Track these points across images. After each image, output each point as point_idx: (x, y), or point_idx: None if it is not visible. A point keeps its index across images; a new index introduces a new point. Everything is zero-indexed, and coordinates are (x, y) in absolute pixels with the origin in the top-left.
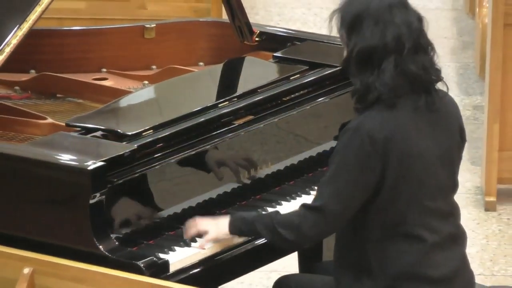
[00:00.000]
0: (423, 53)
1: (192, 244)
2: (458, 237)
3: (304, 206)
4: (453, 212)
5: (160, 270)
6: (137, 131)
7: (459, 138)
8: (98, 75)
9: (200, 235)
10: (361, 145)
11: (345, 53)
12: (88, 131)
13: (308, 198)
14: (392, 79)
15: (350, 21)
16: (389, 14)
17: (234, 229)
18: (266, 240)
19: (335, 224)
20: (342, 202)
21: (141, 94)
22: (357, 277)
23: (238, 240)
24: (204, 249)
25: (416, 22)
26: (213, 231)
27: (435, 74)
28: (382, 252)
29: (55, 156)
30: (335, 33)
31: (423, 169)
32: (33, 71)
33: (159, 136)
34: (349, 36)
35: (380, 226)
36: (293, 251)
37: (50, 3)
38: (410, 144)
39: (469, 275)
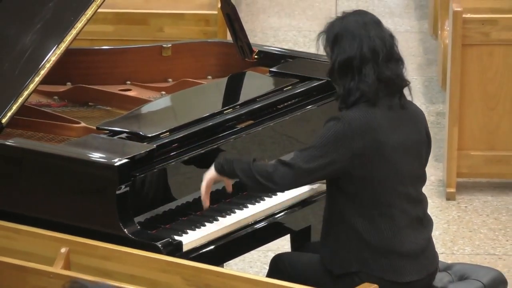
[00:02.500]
0: (395, 62)
1: (202, 227)
2: (425, 222)
3: (278, 160)
4: (422, 200)
5: (175, 249)
6: (156, 133)
7: (426, 138)
8: (123, 87)
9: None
10: (341, 129)
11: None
12: (115, 133)
13: (299, 189)
14: (373, 83)
15: (332, 38)
16: (364, 30)
17: (217, 165)
18: (242, 183)
19: (299, 182)
20: (311, 168)
21: (159, 102)
22: (339, 250)
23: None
24: (207, 198)
25: (388, 37)
26: (205, 180)
27: (405, 81)
28: (361, 229)
29: (88, 154)
30: (321, 51)
31: (395, 157)
32: (69, 83)
33: (174, 138)
34: (332, 50)
35: (358, 207)
36: (262, 193)
37: (83, 27)
38: (384, 135)
39: (433, 255)
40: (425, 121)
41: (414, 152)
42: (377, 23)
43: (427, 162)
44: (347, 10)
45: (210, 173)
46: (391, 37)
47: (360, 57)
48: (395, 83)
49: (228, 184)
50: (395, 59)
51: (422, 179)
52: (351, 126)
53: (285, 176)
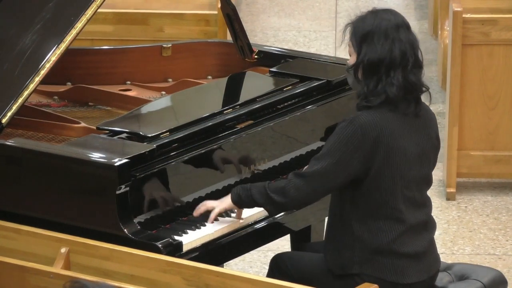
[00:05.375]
0: (419, 67)
1: (202, 227)
2: (429, 225)
3: (293, 172)
4: (427, 204)
5: (175, 249)
6: (156, 133)
7: (436, 143)
8: (123, 87)
9: (207, 216)
10: (353, 135)
11: (351, 59)
12: (115, 133)
13: None
14: (400, 87)
15: (362, 34)
16: (396, 32)
17: (234, 196)
18: (262, 208)
19: (315, 192)
20: (325, 176)
21: (159, 102)
22: (341, 251)
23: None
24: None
25: (416, 42)
26: (218, 207)
27: (425, 86)
28: (365, 230)
29: (88, 155)
30: (342, 43)
31: (404, 163)
32: (69, 83)
33: (174, 138)
34: (359, 46)
35: (364, 208)
36: (282, 212)
37: (83, 27)
38: (395, 141)
39: (435, 256)
40: (436, 125)
41: (424, 159)
42: (407, 26)
43: (435, 165)
44: (378, 7)
45: (225, 203)
46: (417, 41)
47: (390, 60)
48: (416, 90)
49: (239, 213)
50: (419, 66)
51: (428, 183)
52: (364, 133)
53: (300, 187)
